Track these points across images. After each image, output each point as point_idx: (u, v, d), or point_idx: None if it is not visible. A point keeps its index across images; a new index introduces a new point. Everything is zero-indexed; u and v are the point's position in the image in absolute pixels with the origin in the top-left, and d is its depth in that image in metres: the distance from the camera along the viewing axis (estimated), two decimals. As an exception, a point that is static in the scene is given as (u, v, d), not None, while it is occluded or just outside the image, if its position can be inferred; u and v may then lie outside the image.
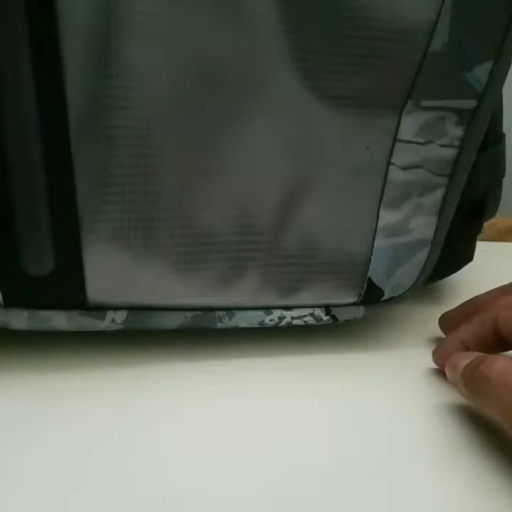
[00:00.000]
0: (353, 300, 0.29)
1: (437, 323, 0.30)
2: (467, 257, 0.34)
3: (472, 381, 0.23)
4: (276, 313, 0.28)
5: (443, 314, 0.30)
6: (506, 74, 0.25)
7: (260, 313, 0.28)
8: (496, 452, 0.23)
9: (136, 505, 0.20)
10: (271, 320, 0.28)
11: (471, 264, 0.34)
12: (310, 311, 0.29)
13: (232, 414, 0.25)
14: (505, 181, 0.32)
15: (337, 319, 0.29)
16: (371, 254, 0.27)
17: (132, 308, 0.27)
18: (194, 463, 0.22)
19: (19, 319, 0.26)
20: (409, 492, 0.21)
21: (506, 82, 0.25)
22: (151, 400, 0.25)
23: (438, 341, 0.29)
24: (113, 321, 0.26)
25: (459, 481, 0.22)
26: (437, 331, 0.30)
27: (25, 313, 0.26)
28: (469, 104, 0.25)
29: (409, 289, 0.29)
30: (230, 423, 0.24)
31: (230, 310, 0.28)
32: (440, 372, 0.28)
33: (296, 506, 0.20)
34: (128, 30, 0.22)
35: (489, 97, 0.25)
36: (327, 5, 0.22)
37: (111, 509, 0.20)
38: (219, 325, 0.28)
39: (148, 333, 0.29)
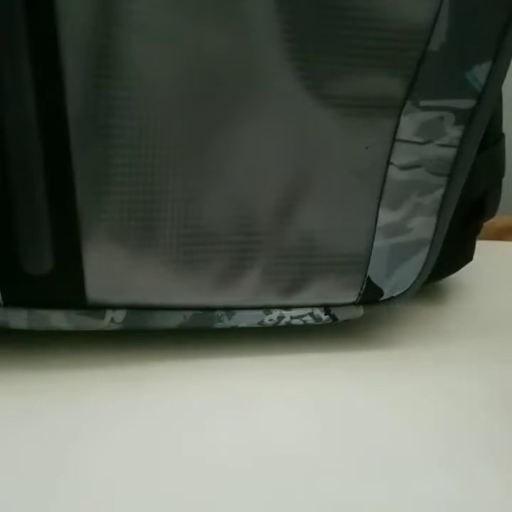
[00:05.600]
0: (352, 300, 0.29)
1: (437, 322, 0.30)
2: (467, 256, 0.34)
3: None
4: (276, 313, 0.28)
5: None
6: (505, 74, 0.25)
7: (259, 312, 0.28)
8: (495, 451, 0.23)
9: (136, 505, 0.20)
10: (270, 320, 0.28)
11: (470, 263, 0.34)
12: (309, 310, 0.29)
13: (232, 413, 0.25)
14: (505, 181, 0.32)
15: (336, 319, 0.29)
16: (370, 254, 0.27)
17: (131, 308, 0.27)
18: (194, 462, 0.22)
19: (18, 319, 0.26)
20: (409, 492, 0.21)
21: (506, 81, 0.25)
22: (151, 400, 0.25)
23: (438, 341, 0.29)
24: (112, 320, 0.26)
25: (458, 480, 0.22)
26: (437, 331, 0.30)
27: (24, 313, 0.26)
28: (468, 104, 0.25)
29: (408, 288, 0.29)
30: (230, 423, 0.24)
31: (229, 310, 0.28)
32: (439, 373, 0.28)
33: (295, 505, 0.20)
34: (128, 30, 0.22)
35: (488, 96, 0.25)
36: (325, 5, 0.22)
37: (111, 508, 0.20)
38: (218, 324, 0.28)
39: (148, 333, 0.29)
